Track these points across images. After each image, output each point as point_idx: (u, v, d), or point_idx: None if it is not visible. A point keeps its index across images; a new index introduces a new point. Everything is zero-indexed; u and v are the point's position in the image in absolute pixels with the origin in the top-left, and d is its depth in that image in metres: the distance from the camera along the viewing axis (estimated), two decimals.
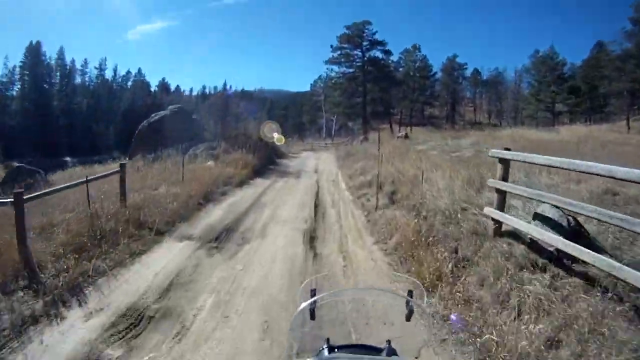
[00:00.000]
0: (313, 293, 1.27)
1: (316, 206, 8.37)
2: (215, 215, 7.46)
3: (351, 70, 44.71)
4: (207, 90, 75.00)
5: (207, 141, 17.06)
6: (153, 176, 9.65)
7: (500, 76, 62.16)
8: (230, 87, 75.64)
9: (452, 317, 3.08)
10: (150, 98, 61.49)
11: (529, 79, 52.81)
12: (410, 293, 1.29)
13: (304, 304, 1.24)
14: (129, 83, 66.43)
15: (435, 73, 55.78)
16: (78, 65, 60.54)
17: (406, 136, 27.15)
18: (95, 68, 62.55)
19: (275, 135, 21.62)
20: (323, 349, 1.19)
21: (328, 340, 1.22)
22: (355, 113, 44.68)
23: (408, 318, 1.26)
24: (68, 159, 36.30)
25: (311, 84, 59.64)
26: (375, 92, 42.83)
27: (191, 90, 76.43)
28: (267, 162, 16.99)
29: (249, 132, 18.70)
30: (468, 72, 61.30)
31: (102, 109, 59.60)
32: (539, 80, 49.12)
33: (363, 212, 7.60)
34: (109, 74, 63.85)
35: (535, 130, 29.04)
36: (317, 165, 18.73)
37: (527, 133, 24.06)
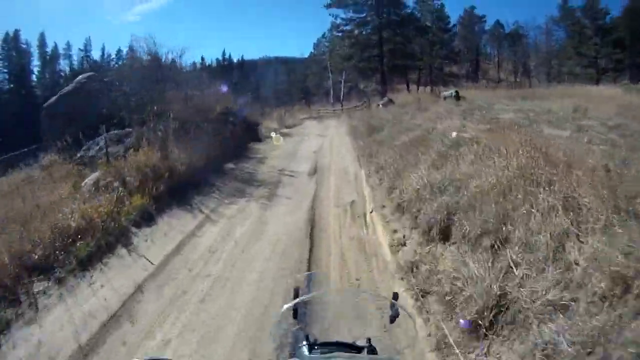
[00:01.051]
0: (296, 293, 1.25)
1: None
2: None
3: (362, 15, 37.44)
4: (206, 62, 70.25)
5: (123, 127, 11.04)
6: None
7: (522, 29, 54.52)
8: (230, 55, 69.65)
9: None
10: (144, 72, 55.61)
11: (560, 32, 45.66)
12: (395, 295, 1.28)
13: (286, 305, 1.23)
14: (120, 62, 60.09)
15: (454, 26, 48.81)
16: (61, 50, 54.47)
17: (458, 97, 18.52)
18: (80, 50, 55.73)
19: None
20: (302, 345, 1.18)
21: (307, 337, 1.20)
22: (370, 68, 37.19)
23: (392, 320, 1.24)
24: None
25: (314, 43, 52.09)
26: (394, 43, 35.61)
27: (194, 63, 70.34)
28: (228, 155, 11.22)
29: (207, 108, 12.67)
30: (487, 26, 54.11)
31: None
32: (578, 32, 42.22)
33: None
34: (96, 55, 57.41)
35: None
36: (320, 153, 12.95)
37: (610, 92, 17.85)
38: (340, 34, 40.24)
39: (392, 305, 1.26)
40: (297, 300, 1.24)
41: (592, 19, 40.88)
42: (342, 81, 39.94)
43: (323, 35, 48.48)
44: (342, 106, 37.30)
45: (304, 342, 1.18)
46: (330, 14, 40.86)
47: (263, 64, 69.86)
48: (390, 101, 22.10)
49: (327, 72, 43.30)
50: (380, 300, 1.34)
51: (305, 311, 1.34)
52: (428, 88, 38.28)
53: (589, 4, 41.26)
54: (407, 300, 3.49)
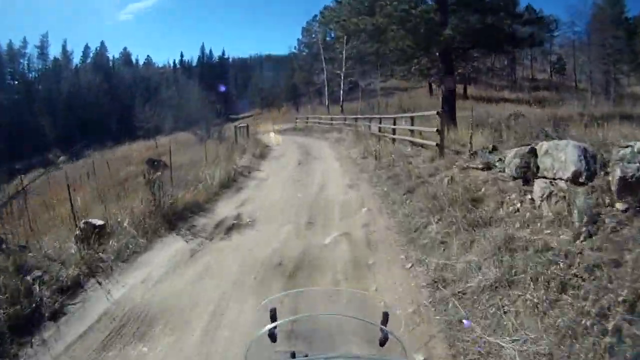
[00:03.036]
0: (272, 313, 1.13)
1: None
2: None
3: None
4: (185, 60, 61.75)
5: None
6: None
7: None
8: (211, 52, 62.41)
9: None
10: (99, 76, 47.48)
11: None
12: (385, 316, 1.14)
13: (261, 331, 1.12)
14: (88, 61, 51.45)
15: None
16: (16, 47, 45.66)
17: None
18: (36, 47, 46.63)
19: None
20: None
21: (294, 354, 1.10)
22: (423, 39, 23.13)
23: (382, 343, 1.11)
24: None
25: (303, 28, 40.89)
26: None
27: (174, 62, 61.73)
28: None
29: None
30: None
31: (41, 97, 44.96)
32: None
33: None
34: (55, 52, 48.98)
35: None
36: None
37: None
38: None
39: (382, 330, 1.11)
40: (274, 324, 1.10)
41: None
42: (342, 75, 28.95)
43: (314, 18, 37.13)
44: (342, 110, 26.29)
45: (289, 358, 1.07)
46: None
47: (247, 62, 60.61)
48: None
49: (320, 62, 32.30)
50: (368, 324, 1.02)
51: (286, 332, 1.14)
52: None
53: None
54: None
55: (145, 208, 5.28)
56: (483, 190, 4.50)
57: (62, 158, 36.67)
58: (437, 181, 5.34)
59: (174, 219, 5.41)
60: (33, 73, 47.40)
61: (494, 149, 5.75)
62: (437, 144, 6.62)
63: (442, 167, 5.89)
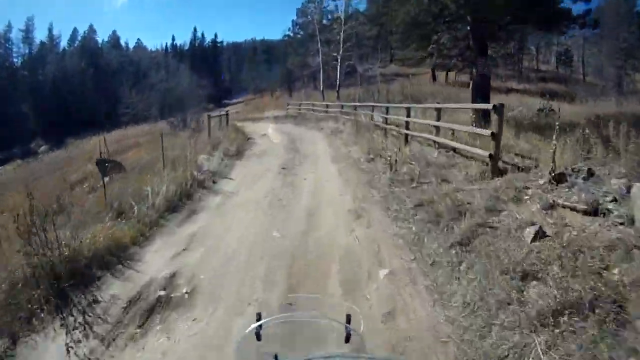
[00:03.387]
0: (258, 317, 1.28)
1: None
2: None
3: None
4: (176, 43, 58.83)
5: None
6: None
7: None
8: (203, 35, 59.37)
9: None
10: (85, 60, 44.76)
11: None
12: (348, 318, 1.31)
13: (248, 329, 1.25)
14: (76, 45, 48.34)
15: None
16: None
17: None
18: (21, 30, 44.01)
19: None
20: None
21: (276, 356, 1.19)
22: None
23: (347, 340, 1.27)
24: None
25: (297, 9, 37.68)
26: None
27: (165, 46, 58.81)
28: None
29: None
30: None
31: (26, 83, 42.72)
32: None
33: None
34: (41, 37, 46.49)
35: None
36: None
37: None
38: None
39: (346, 328, 1.27)
40: (258, 323, 1.25)
41: None
42: (339, 58, 26.36)
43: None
44: (338, 97, 23.78)
45: None
46: None
47: (241, 47, 57.19)
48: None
49: (315, 44, 29.54)
50: (334, 322, 1.20)
51: (268, 333, 1.24)
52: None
53: None
54: None
55: (17, 275, 3.02)
56: (618, 272, 2.31)
57: (43, 148, 34.07)
58: (509, 229, 3.13)
59: (70, 285, 3.13)
60: (18, 58, 44.99)
61: (590, 173, 3.53)
62: (489, 155, 4.36)
63: (507, 197, 3.67)
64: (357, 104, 13.82)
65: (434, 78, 29.68)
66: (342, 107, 15.09)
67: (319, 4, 32.11)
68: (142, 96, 37.16)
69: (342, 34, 25.87)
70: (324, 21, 33.16)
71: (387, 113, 9.59)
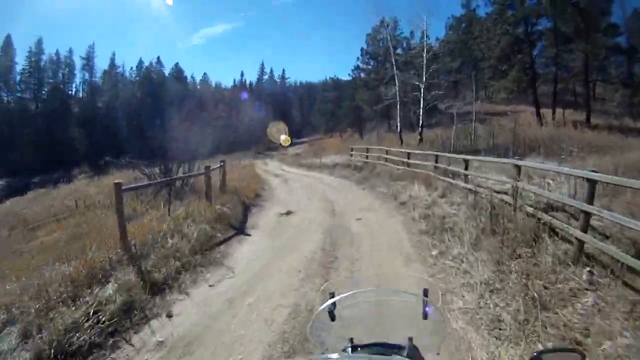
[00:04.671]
0: (332, 295, 1.27)
1: None
2: None
3: None
4: (244, 79, 58.70)
5: None
6: None
7: None
8: (271, 71, 59.14)
9: None
10: (144, 90, 46.25)
11: None
12: (425, 292, 1.29)
13: (321, 307, 1.25)
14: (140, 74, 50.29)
15: None
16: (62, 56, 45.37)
17: None
18: (82, 58, 46.15)
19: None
20: (347, 348, 1.21)
21: (352, 340, 1.22)
22: None
23: (425, 316, 1.25)
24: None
25: (367, 35, 34.39)
26: None
27: (233, 82, 59.05)
28: None
29: None
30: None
31: (80, 109, 45.02)
32: None
33: None
34: (102, 65, 48.20)
35: None
36: None
37: None
38: None
39: (424, 302, 1.26)
40: (331, 300, 1.24)
41: None
42: (422, 88, 21.49)
43: (381, 21, 29.89)
44: (421, 140, 19.13)
45: (348, 345, 1.19)
46: None
47: (312, 86, 55.96)
48: None
49: (389, 70, 25.38)
50: (412, 297, 1.17)
51: (342, 314, 1.22)
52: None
53: None
54: None
55: None
56: None
57: (81, 176, 34.20)
58: None
59: None
60: (75, 84, 47.66)
61: None
62: None
63: None
64: (468, 156, 9.14)
65: (538, 115, 23.80)
66: (436, 159, 10.40)
67: (392, 30, 28.39)
68: (196, 131, 35.37)
69: (424, 54, 21.40)
70: (399, 50, 29.41)
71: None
